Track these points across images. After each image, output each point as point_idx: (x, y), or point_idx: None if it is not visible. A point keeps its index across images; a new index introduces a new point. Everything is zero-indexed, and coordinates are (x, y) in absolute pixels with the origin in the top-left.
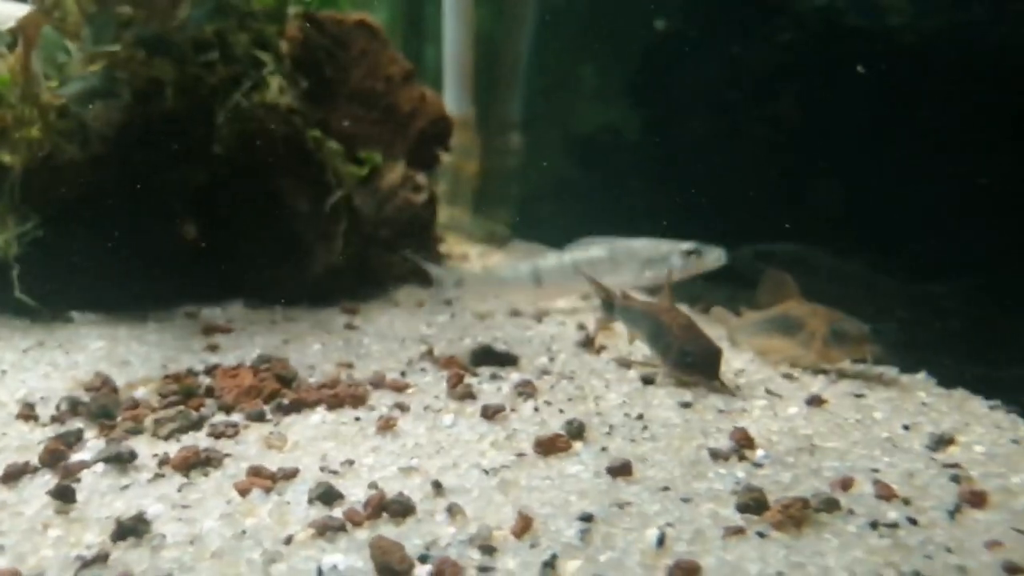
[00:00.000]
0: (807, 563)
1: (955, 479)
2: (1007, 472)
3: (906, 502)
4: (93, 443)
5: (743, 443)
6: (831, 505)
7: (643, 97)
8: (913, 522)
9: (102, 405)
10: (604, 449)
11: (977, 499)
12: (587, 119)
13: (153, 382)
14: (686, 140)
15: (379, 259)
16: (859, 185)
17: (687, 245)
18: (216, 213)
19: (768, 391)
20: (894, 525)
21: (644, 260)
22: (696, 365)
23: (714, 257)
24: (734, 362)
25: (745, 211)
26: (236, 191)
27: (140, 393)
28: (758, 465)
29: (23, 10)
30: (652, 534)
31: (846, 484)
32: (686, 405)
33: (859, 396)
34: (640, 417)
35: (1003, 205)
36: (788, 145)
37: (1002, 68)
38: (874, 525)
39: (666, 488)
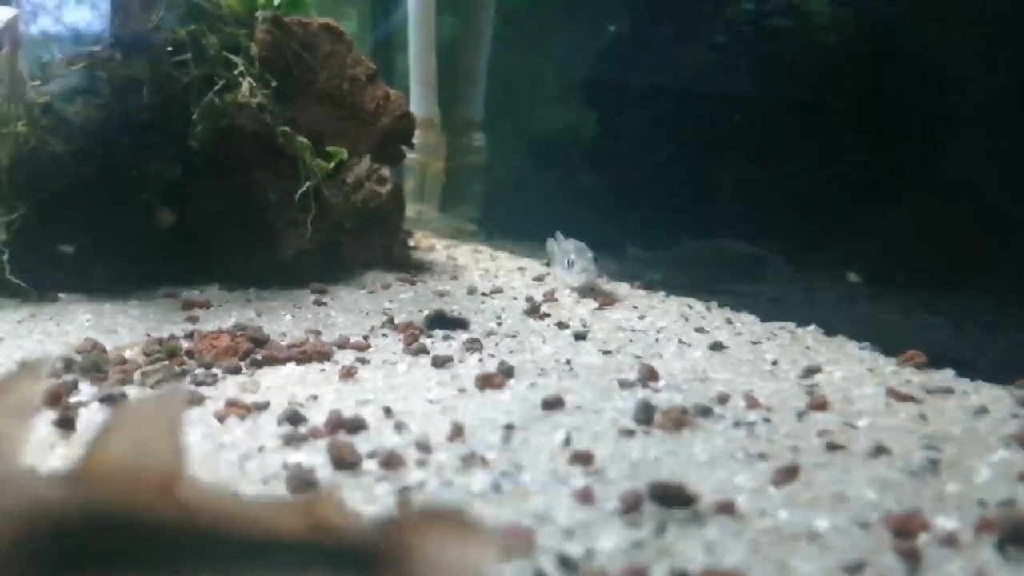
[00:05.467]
0: (678, 451)
1: (810, 394)
2: (852, 388)
3: (767, 409)
4: (88, 390)
5: (648, 376)
6: (706, 412)
7: (595, 98)
8: (767, 421)
9: (93, 361)
10: (533, 384)
11: (821, 406)
12: (546, 119)
13: (138, 345)
14: (633, 138)
15: (347, 246)
16: (778, 177)
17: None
18: (192, 203)
19: (680, 341)
20: (752, 424)
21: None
22: None
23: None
24: (659, 321)
25: (689, 206)
26: (211, 183)
27: (128, 354)
28: (657, 391)
29: (9, 13)
30: (560, 436)
31: (723, 399)
32: (608, 352)
33: (756, 343)
34: (568, 362)
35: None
36: (727, 142)
37: (910, 64)
38: (737, 424)
39: (579, 407)
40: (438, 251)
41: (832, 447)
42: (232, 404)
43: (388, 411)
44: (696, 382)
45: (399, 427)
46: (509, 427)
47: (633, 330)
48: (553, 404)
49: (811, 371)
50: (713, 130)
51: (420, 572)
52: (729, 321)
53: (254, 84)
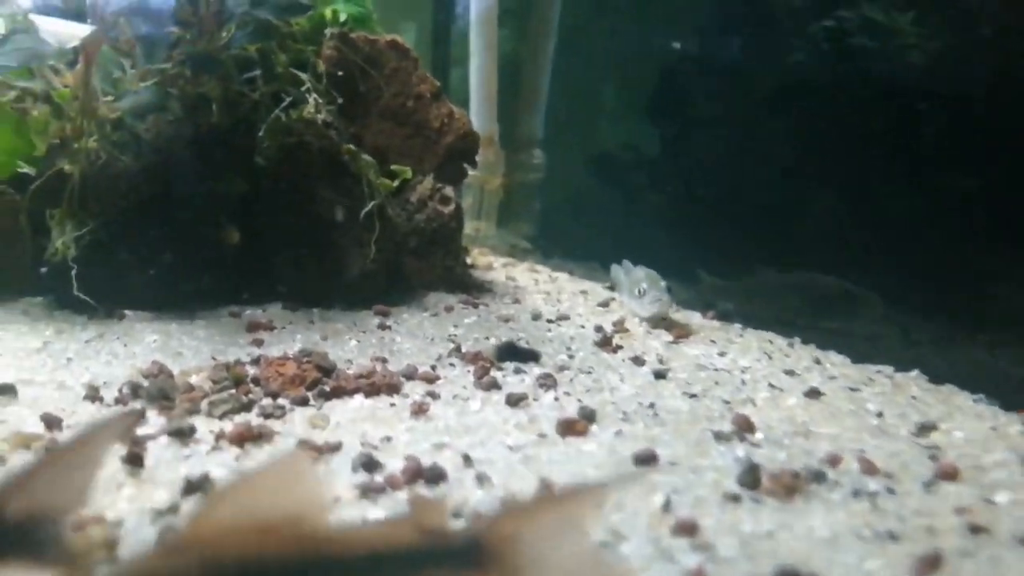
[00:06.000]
0: (794, 524)
1: (932, 458)
2: (981, 454)
3: (887, 476)
4: (155, 420)
5: (744, 427)
6: (819, 477)
7: (664, 116)
8: (891, 492)
9: (161, 388)
10: (619, 433)
11: (950, 474)
12: (608, 137)
13: (204, 371)
14: (704, 159)
15: (409, 266)
16: (868, 204)
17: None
18: (257, 220)
19: (771, 385)
20: (874, 494)
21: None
22: None
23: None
24: (741, 359)
25: (756, 229)
26: (276, 200)
27: (194, 380)
28: (756, 446)
29: (85, 30)
30: (658, 499)
31: (834, 460)
32: (693, 396)
33: (854, 390)
34: (652, 406)
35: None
36: (798, 163)
37: (1006, 86)
38: (856, 494)
39: (673, 463)
40: (496, 270)
41: (975, 529)
42: (304, 444)
43: (467, 459)
44: (798, 437)
45: (481, 480)
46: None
47: (715, 369)
48: (646, 459)
49: (925, 428)
50: (795, 153)
51: (523, 559)
52: (818, 362)
53: (320, 101)
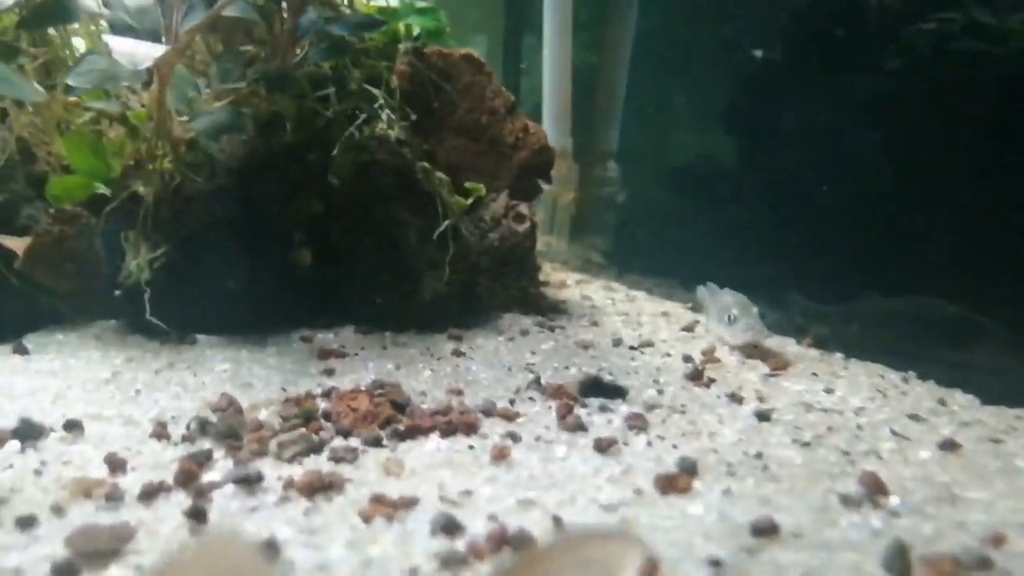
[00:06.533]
0: None
1: None
2: None
3: None
4: (222, 463)
5: (874, 489)
6: (983, 564)
7: (740, 126)
8: None
9: (229, 426)
10: (727, 492)
11: None
12: (687, 150)
13: (274, 404)
14: (797, 172)
15: (482, 287)
16: (986, 220)
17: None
18: (329, 241)
19: (894, 432)
20: None
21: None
22: None
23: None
24: (852, 398)
25: (847, 244)
26: (349, 220)
27: (263, 415)
28: (895, 515)
29: (159, 50)
30: None
31: (997, 540)
32: (805, 444)
33: (996, 442)
34: (759, 456)
35: None
36: (903, 175)
37: None
38: None
39: (797, 535)
40: (570, 287)
41: None
42: (378, 500)
43: (558, 522)
44: (943, 504)
45: None
46: (716, 564)
47: (824, 410)
48: (766, 531)
49: None
50: (899, 164)
51: None
52: (942, 403)
53: (393, 117)
